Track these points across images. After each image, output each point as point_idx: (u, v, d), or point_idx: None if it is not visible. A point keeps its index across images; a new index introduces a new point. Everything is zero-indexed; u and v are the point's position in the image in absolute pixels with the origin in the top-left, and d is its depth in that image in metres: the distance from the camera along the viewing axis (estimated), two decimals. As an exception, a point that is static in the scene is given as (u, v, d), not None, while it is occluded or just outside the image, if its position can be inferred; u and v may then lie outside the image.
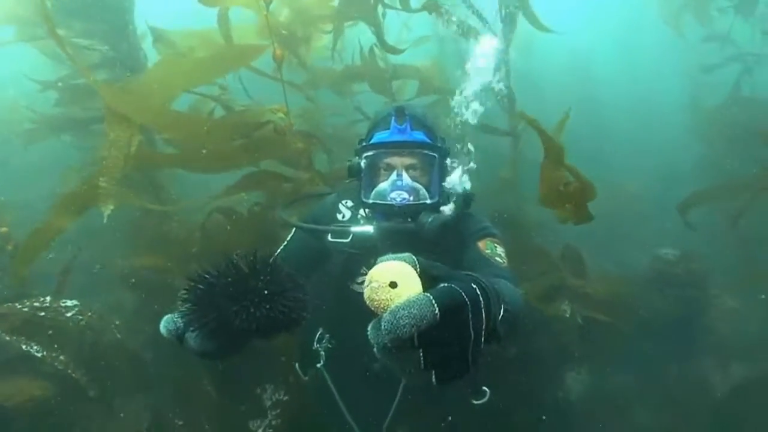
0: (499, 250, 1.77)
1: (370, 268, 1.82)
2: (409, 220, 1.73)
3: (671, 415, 3.53)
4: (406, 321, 0.81)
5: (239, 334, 1.06)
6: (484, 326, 0.93)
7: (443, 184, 1.85)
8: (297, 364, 2.09)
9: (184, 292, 1.06)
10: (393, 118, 1.79)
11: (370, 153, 1.82)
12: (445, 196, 1.84)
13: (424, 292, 0.88)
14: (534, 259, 3.42)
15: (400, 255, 0.95)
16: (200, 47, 3.36)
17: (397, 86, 4.41)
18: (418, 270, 0.93)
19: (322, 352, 1.93)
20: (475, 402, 1.97)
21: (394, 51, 3.79)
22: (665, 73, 8.29)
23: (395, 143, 1.78)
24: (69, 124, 3.60)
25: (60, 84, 3.51)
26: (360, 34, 3.98)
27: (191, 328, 1.08)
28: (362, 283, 1.82)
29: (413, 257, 0.95)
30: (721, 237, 4.36)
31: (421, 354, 0.86)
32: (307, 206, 2.30)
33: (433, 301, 0.83)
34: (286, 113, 2.77)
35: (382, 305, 0.88)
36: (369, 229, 1.74)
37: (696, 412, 3.52)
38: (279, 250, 1.94)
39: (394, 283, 0.89)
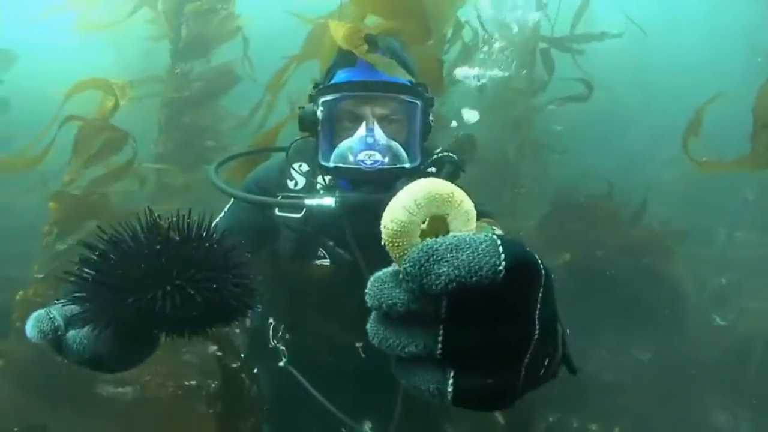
0: (498, 233, 1.34)
1: (328, 249, 1.42)
2: (382, 189, 1.29)
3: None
4: (445, 270, 0.48)
5: (158, 329, 0.75)
6: (554, 333, 0.59)
7: (425, 144, 1.42)
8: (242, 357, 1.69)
9: (76, 268, 0.72)
10: None
11: (329, 98, 1.35)
12: (427, 160, 1.41)
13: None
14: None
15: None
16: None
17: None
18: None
19: (282, 348, 1.53)
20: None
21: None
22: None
23: (365, 84, 1.33)
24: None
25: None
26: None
27: (86, 324, 0.74)
28: (322, 265, 1.41)
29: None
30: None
31: (442, 329, 0.52)
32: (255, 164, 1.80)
33: (500, 247, 0.50)
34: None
35: (408, 241, 0.53)
36: (329, 202, 1.31)
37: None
38: (213, 225, 1.52)
39: (443, 219, 0.55)
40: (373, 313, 0.56)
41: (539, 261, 0.55)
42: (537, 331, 0.54)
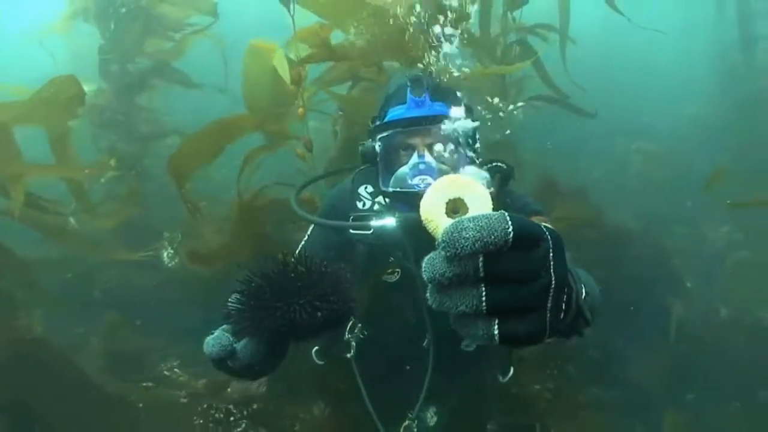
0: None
1: (397, 260, 1.77)
2: None
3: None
4: (471, 234, 0.67)
5: (294, 335, 1.08)
6: (567, 284, 0.78)
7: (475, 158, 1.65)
8: (314, 351, 2.01)
9: (238, 294, 1.05)
10: (408, 89, 1.59)
11: (384, 134, 1.63)
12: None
13: None
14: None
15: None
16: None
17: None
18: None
19: (353, 343, 1.82)
20: (501, 380, 1.94)
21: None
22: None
23: (413, 119, 1.57)
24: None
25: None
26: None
27: (250, 335, 1.07)
28: (392, 273, 1.76)
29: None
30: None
31: (484, 290, 0.70)
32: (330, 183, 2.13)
33: (507, 218, 0.69)
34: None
35: (437, 218, 0.77)
36: (390, 222, 1.55)
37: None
38: (300, 247, 1.85)
39: (461, 200, 0.79)
40: (430, 285, 0.74)
41: (543, 229, 0.75)
42: (554, 281, 0.73)
